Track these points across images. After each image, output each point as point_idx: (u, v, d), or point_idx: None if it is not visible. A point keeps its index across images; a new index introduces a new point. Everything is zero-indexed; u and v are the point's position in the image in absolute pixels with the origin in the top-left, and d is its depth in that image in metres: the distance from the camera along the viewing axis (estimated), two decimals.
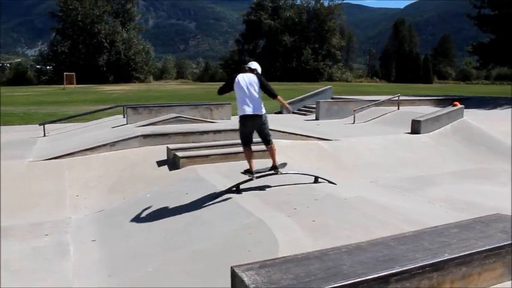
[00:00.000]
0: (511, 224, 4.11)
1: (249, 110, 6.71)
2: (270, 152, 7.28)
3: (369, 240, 3.70)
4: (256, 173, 7.19)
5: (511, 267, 3.67)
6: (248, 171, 7.14)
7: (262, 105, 6.87)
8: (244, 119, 6.82)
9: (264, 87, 6.82)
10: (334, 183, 7.62)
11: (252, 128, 6.99)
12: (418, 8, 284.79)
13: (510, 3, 26.63)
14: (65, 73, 53.81)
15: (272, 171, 7.32)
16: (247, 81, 6.77)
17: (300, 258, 3.26)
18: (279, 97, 6.94)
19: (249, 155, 7.14)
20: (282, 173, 7.43)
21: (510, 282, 3.65)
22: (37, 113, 20.78)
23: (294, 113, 21.34)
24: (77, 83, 53.45)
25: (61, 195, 8.19)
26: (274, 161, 7.33)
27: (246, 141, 7.09)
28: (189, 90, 44.53)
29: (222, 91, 7.06)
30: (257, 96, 6.76)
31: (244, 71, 6.95)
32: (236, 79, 6.81)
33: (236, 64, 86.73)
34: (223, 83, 7.17)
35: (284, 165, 7.73)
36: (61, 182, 8.64)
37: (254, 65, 7.12)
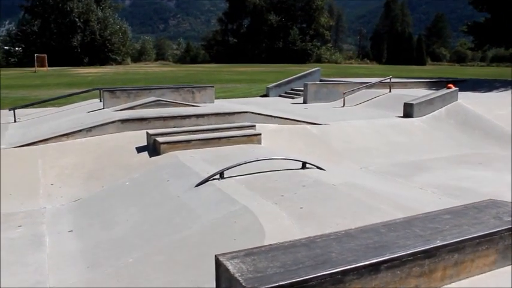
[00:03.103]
0: (505, 210, 4.20)
1: None
2: None
3: (359, 227, 3.76)
4: None
5: (504, 253, 3.76)
6: None
7: None
8: None
9: None
10: (323, 169, 7.68)
11: None
12: None
13: None
14: (35, 55, 52.84)
15: None
16: None
17: (287, 246, 3.30)
18: None
19: None
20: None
21: (503, 269, 3.74)
22: (7, 97, 20.48)
23: (280, 96, 21.37)
24: (49, 66, 52.67)
25: (35, 184, 8.14)
26: None
27: None
28: (170, 72, 44.18)
29: None
30: None
31: None
32: None
33: (219, 45, 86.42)
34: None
35: None
36: (34, 170, 8.59)
37: None
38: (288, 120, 12.16)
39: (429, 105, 14.09)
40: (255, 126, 10.61)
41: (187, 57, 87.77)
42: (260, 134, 10.06)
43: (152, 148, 9.33)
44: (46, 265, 5.35)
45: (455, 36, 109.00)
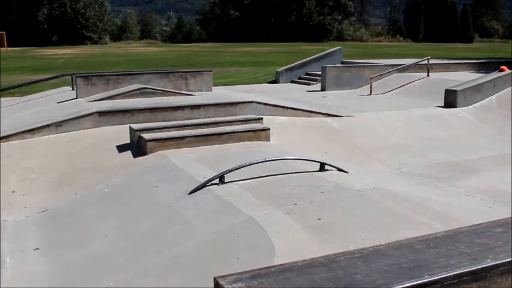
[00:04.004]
0: None
1: None
2: None
3: (390, 242, 3.76)
4: None
5: None
6: None
7: None
8: None
9: None
10: (345, 171, 7.68)
11: None
12: None
13: None
14: None
15: None
16: None
17: (302, 266, 3.31)
18: None
19: None
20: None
21: None
22: None
23: (293, 82, 21.37)
24: (9, 45, 52.87)
25: None
26: None
27: None
28: (158, 53, 44.33)
29: None
30: None
31: None
32: None
33: (218, 20, 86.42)
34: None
35: None
36: None
37: None
38: (303, 112, 12.15)
39: (477, 92, 14.04)
40: (262, 119, 10.61)
41: (179, 35, 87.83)
42: (268, 129, 10.06)
43: (137, 147, 9.35)
44: None
45: (510, 5, 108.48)
